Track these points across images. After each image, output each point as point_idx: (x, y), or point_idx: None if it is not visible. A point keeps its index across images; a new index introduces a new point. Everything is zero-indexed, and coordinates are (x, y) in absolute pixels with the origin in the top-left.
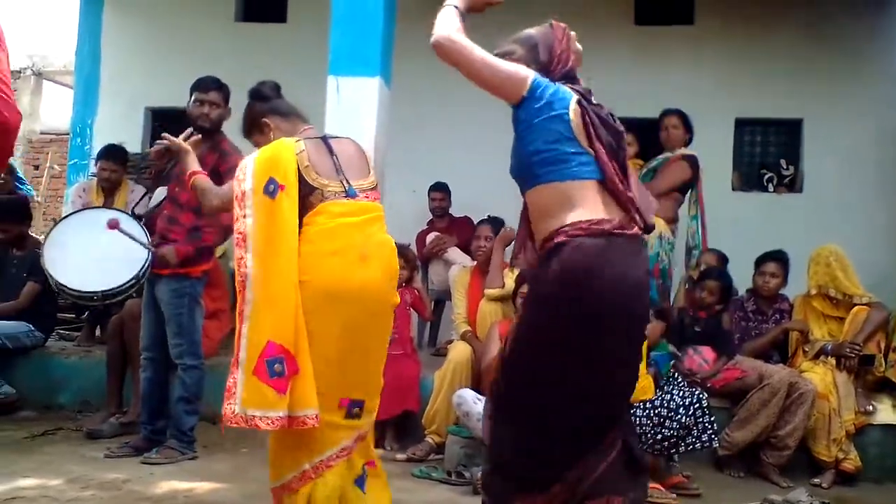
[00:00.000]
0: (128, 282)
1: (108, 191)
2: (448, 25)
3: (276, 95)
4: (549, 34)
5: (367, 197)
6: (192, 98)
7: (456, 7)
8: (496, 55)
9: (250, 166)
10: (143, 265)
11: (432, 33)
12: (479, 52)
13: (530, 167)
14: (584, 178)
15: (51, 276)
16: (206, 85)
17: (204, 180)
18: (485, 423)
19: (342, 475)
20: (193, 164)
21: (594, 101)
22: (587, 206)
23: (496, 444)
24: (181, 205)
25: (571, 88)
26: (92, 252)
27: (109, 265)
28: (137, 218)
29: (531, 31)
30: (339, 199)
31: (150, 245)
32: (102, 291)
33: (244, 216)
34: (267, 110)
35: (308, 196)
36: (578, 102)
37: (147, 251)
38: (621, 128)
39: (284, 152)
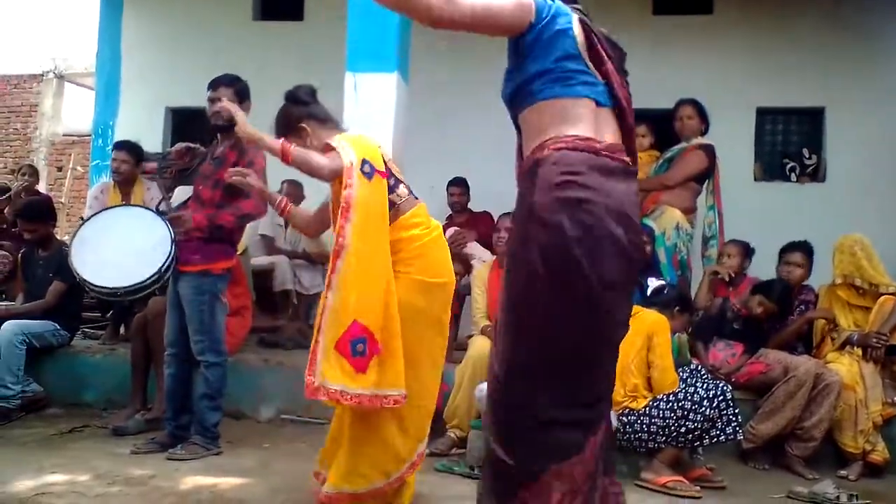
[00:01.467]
0: (149, 277)
1: (124, 186)
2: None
3: (313, 100)
4: None
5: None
6: (207, 97)
7: None
8: None
9: (345, 143)
10: (165, 261)
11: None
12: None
13: (530, 85)
14: (586, 97)
15: (77, 273)
16: (215, 82)
17: (304, 150)
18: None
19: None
20: (270, 138)
21: (584, 12)
22: (582, 125)
23: (515, 406)
24: (203, 202)
25: (572, 7)
26: (116, 249)
27: (132, 262)
28: (161, 214)
29: None
30: (412, 198)
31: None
32: (125, 287)
33: (349, 186)
34: (304, 115)
35: (394, 189)
36: (580, 20)
37: (169, 245)
38: (624, 49)
39: (371, 143)
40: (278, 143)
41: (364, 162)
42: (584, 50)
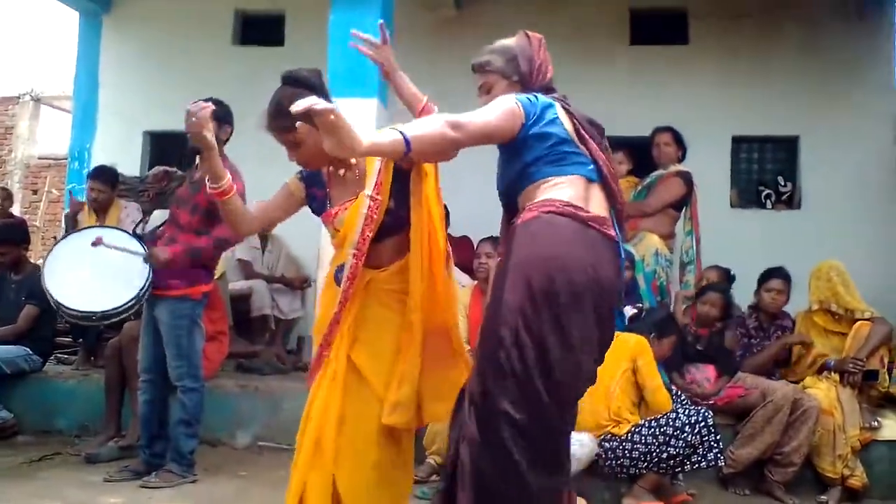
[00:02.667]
0: (127, 302)
1: (99, 212)
2: (429, 126)
3: (325, 88)
4: (526, 45)
5: None
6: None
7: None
8: (473, 65)
9: None
10: (143, 286)
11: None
12: (477, 119)
13: (527, 170)
14: (577, 174)
15: (50, 295)
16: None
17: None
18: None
19: None
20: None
21: (567, 103)
22: (571, 194)
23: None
24: (181, 226)
25: (550, 97)
26: (92, 272)
27: (109, 285)
28: (138, 238)
29: (507, 41)
30: None
31: (144, 252)
32: (102, 312)
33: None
34: None
35: None
36: (563, 108)
37: (146, 268)
38: (601, 125)
39: None
40: (422, 98)
41: None
42: (573, 134)
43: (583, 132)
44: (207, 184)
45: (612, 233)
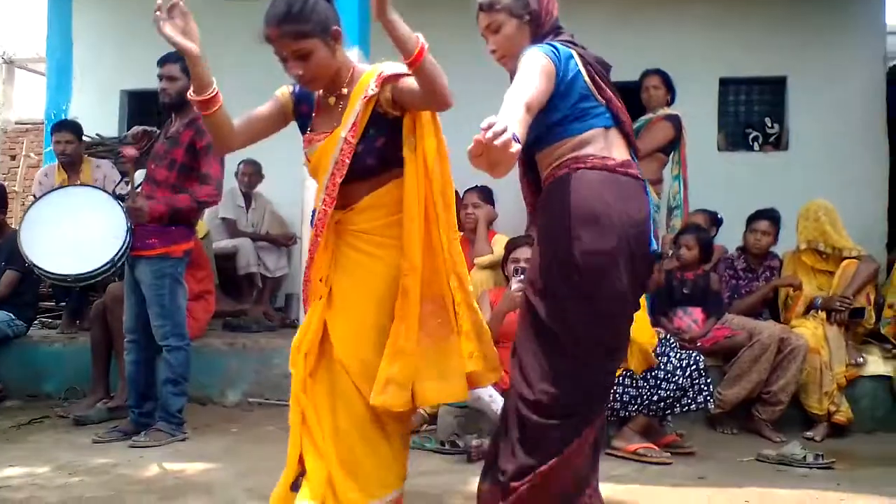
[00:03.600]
0: (103, 265)
1: (69, 167)
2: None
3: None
4: None
5: None
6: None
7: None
8: (480, 3)
9: None
10: (120, 248)
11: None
12: (506, 101)
13: (552, 129)
14: (602, 127)
15: (25, 256)
16: (163, 59)
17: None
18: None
19: None
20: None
21: (576, 43)
22: (596, 146)
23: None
24: (158, 182)
25: (564, 41)
26: (68, 233)
27: (86, 247)
28: (117, 197)
29: None
30: None
31: (123, 210)
32: (75, 274)
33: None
34: (335, 18)
35: None
36: (580, 56)
37: (123, 230)
38: (607, 62)
39: None
40: (416, 38)
41: None
42: (591, 84)
43: (598, 79)
44: (192, 96)
45: (637, 172)
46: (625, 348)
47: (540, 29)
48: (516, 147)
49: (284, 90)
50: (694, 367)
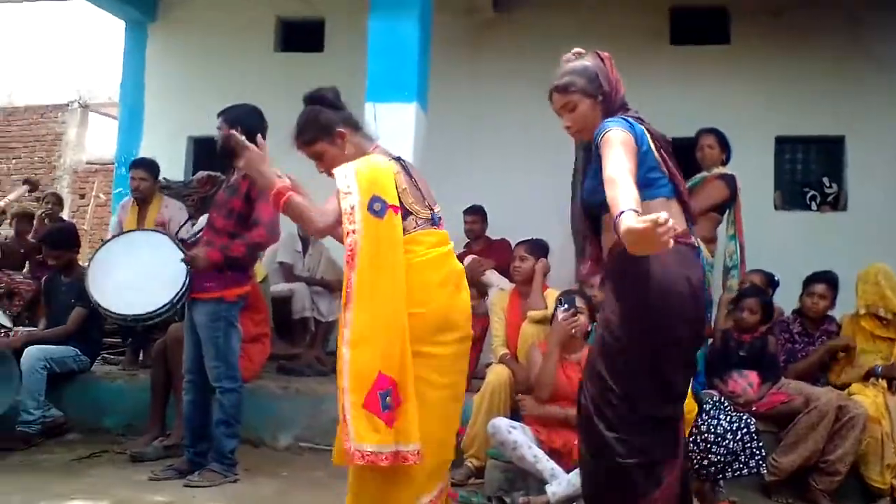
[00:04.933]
0: (162, 307)
1: (142, 203)
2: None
3: (342, 104)
4: (601, 64)
5: (443, 224)
6: (220, 125)
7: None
8: (556, 86)
9: (353, 179)
10: (179, 291)
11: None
12: (619, 177)
13: None
14: (664, 197)
15: (91, 296)
16: (235, 114)
17: (300, 200)
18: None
19: None
20: (275, 179)
21: (642, 118)
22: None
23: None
24: (217, 230)
25: (634, 118)
26: (132, 276)
27: (146, 290)
28: (181, 241)
29: (584, 62)
30: (426, 227)
31: (184, 255)
32: (135, 315)
33: (353, 231)
34: (340, 119)
35: (402, 221)
36: (649, 132)
37: (183, 273)
38: (669, 138)
39: (384, 173)
40: (277, 184)
41: (374, 199)
42: (658, 157)
43: (663, 153)
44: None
45: (693, 241)
46: (682, 397)
47: (611, 106)
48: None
49: None
50: (745, 430)
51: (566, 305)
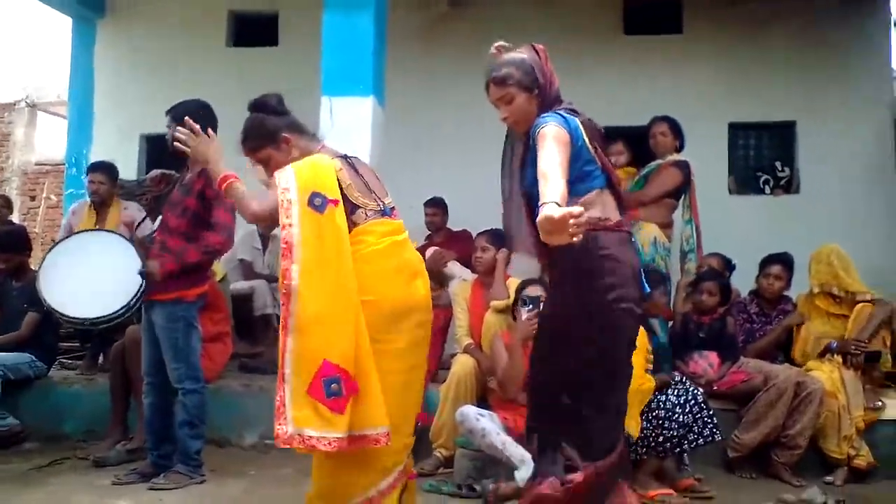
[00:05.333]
0: (118, 311)
1: (99, 207)
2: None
3: (286, 109)
4: (536, 57)
5: (396, 215)
6: (169, 124)
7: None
8: (493, 78)
9: (291, 177)
10: (135, 294)
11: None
12: (550, 170)
13: None
14: (598, 188)
15: (44, 301)
16: (182, 110)
17: (240, 186)
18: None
19: (395, 496)
20: (222, 166)
21: (577, 111)
22: (598, 209)
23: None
24: (171, 230)
25: (568, 111)
26: (86, 278)
27: (102, 292)
28: (139, 242)
29: (520, 54)
30: (376, 217)
31: (141, 266)
32: (92, 318)
33: (290, 225)
34: (284, 125)
35: (350, 215)
36: (583, 124)
37: (140, 276)
38: (600, 127)
39: (325, 170)
40: (222, 172)
41: (314, 195)
42: (593, 152)
43: (595, 145)
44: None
45: (627, 228)
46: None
47: (546, 98)
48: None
49: None
50: (693, 401)
51: (530, 305)
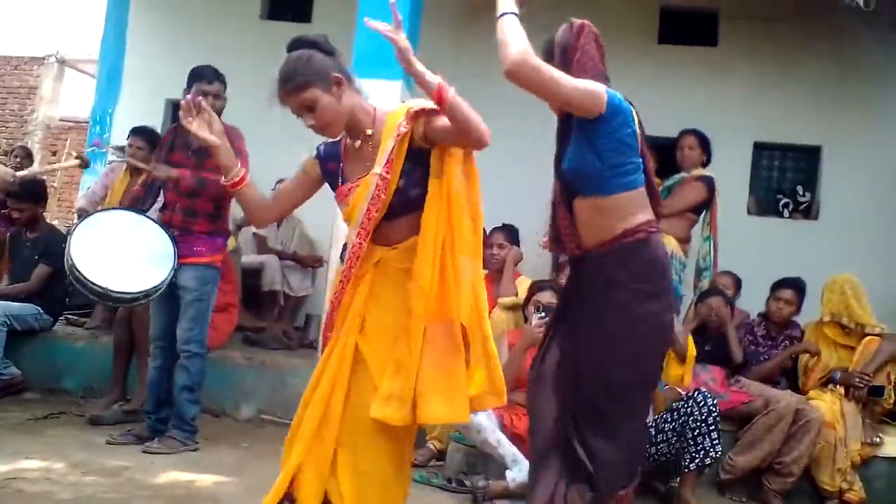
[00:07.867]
0: (142, 291)
1: (134, 171)
2: (520, 43)
3: (335, 50)
4: (565, 35)
5: None
6: (194, 88)
7: (515, 14)
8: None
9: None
10: (164, 279)
11: (504, 55)
12: (557, 72)
13: (603, 176)
14: (640, 187)
15: (73, 263)
16: (209, 76)
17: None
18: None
19: None
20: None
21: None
22: (647, 210)
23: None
24: (180, 191)
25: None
26: (120, 251)
27: (133, 268)
28: (169, 231)
29: (560, 36)
30: None
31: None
32: (118, 292)
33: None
34: (336, 66)
35: None
36: (635, 111)
37: (170, 261)
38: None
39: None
40: (438, 78)
41: None
42: (641, 142)
43: (642, 140)
44: (222, 181)
45: (659, 227)
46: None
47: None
48: None
49: (308, 157)
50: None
51: (542, 313)
